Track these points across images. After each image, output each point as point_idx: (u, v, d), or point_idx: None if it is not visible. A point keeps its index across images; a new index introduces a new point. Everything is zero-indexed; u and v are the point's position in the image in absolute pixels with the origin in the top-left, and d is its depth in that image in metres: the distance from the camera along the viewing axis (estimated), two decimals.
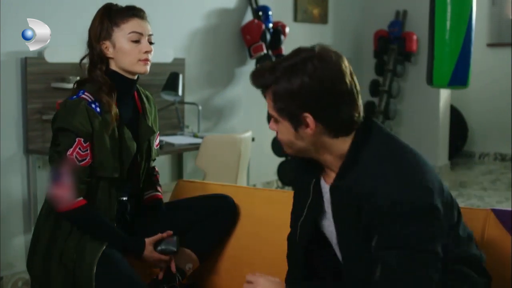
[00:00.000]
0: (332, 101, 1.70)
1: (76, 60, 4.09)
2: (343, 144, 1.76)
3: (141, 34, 2.40)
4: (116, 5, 2.46)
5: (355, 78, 1.75)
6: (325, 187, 1.86)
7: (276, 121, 1.79)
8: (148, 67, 2.43)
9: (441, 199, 1.72)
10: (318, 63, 1.69)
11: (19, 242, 4.04)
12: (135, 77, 2.47)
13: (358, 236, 1.75)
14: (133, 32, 2.39)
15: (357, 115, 1.74)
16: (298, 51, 1.74)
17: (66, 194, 2.30)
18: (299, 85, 1.68)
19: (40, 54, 4.03)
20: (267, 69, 1.75)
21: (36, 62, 4.01)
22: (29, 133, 4.01)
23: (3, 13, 3.83)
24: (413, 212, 1.64)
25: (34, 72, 4.00)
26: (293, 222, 2.04)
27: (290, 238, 2.08)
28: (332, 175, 1.82)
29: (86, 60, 2.47)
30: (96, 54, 2.40)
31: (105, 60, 2.41)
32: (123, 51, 2.39)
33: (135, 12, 2.41)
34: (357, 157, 1.74)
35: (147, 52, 2.41)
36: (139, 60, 2.40)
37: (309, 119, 1.71)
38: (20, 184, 4.03)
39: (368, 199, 1.68)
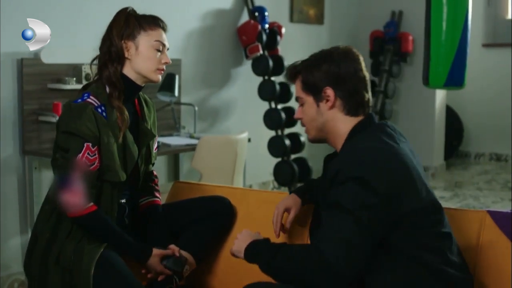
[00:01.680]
0: (351, 82, 2.07)
1: (73, 61, 4.15)
2: (349, 124, 2.08)
3: (164, 45, 2.45)
4: (134, 10, 2.47)
5: (368, 74, 2.13)
6: None
7: (302, 104, 2.13)
8: (160, 77, 2.48)
9: (388, 185, 1.91)
10: (342, 53, 2.09)
11: (15, 243, 4.04)
12: (143, 85, 2.48)
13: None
14: (158, 41, 2.42)
15: (367, 98, 2.10)
16: (323, 50, 2.14)
17: (78, 200, 2.30)
18: (326, 68, 2.07)
19: (36, 55, 4.02)
20: (299, 62, 2.15)
21: (32, 63, 4.00)
22: (25, 134, 4.00)
23: (0, 14, 3.83)
24: (346, 181, 1.91)
25: (30, 73, 4.00)
26: None
27: None
28: None
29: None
30: (115, 52, 2.39)
31: (122, 60, 2.41)
32: (145, 56, 2.41)
33: (163, 24, 2.47)
34: (348, 145, 2.05)
35: (165, 63, 2.45)
36: (157, 69, 2.44)
37: (330, 91, 2.06)
38: (16, 185, 4.02)
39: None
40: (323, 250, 1.86)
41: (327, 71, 2.06)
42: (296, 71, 2.14)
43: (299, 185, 5.84)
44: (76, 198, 2.30)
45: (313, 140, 2.18)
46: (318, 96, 2.08)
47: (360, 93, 2.08)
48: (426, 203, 1.99)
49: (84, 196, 2.31)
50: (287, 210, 2.37)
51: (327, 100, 2.07)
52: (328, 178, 2.01)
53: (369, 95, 2.12)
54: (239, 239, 2.13)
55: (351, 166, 1.94)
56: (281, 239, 2.38)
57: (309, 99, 2.11)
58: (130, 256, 2.38)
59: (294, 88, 2.17)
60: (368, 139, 2.02)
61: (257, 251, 2.04)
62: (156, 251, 2.43)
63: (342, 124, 2.08)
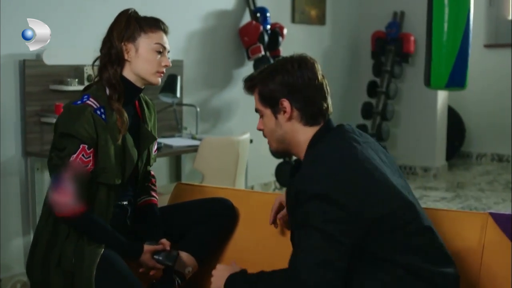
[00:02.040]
0: (307, 92, 2.05)
1: (75, 62, 4.16)
2: (308, 134, 2.07)
3: (164, 48, 2.44)
4: (136, 12, 2.46)
5: (326, 80, 2.10)
6: None
7: (262, 116, 2.13)
8: (160, 80, 2.47)
9: (349, 196, 1.90)
10: (296, 62, 2.07)
11: (18, 244, 4.04)
12: (143, 87, 2.48)
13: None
14: (159, 43, 2.42)
15: (325, 106, 2.08)
16: (278, 59, 2.13)
17: (68, 200, 2.29)
18: (280, 79, 2.05)
19: (38, 57, 4.03)
20: (255, 74, 2.15)
21: (34, 64, 4.01)
22: (28, 136, 4.01)
23: (1, 15, 3.83)
24: (308, 199, 1.91)
25: (32, 74, 4.00)
26: None
27: None
28: None
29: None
30: (115, 54, 2.39)
31: (122, 62, 2.41)
32: (145, 58, 2.40)
33: (164, 27, 2.46)
34: (309, 155, 2.05)
35: (165, 66, 2.45)
36: (157, 71, 2.43)
37: (286, 103, 2.05)
38: (18, 186, 4.03)
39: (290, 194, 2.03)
40: (304, 279, 1.86)
41: (281, 83, 2.05)
42: (253, 83, 2.13)
43: None
44: (66, 198, 2.29)
45: (275, 152, 2.19)
46: (275, 108, 2.07)
47: (317, 102, 2.06)
48: (395, 204, 1.97)
49: (74, 197, 2.29)
50: (282, 203, 2.41)
51: (284, 112, 2.06)
52: (289, 197, 2.02)
53: (327, 103, 2.09)
54: (215, 276, 2.12)
55: (310, 184, 1.92)
56: (284, 229, 2.45)
57: (267, 111, 2.10)
58: (121, 255, 2.37)
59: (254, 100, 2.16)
60: (327, 149, 2.01)
61: (236, 284, 2.04)
62: (147, 247, 2.42)
63: (302, 134, 2.08)
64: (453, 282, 1.99)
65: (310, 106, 2.06)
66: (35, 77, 4.01)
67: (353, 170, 1.95)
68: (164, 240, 2.47)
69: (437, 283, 1.94)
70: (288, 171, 2.25)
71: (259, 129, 2.17)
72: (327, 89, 2.09)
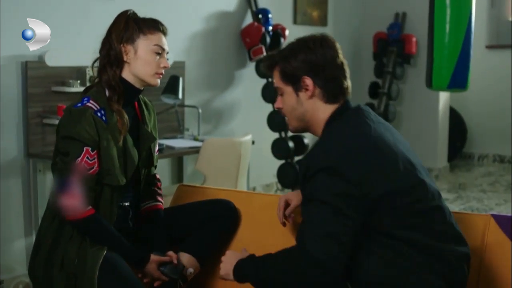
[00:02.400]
0: (329, 69, 2.06)
1: (77, 64, 4.16)
2: (327, 111, 2.07)
3: (163, 49, 2.44)
4: (135, 13, 2.46)
5: (346, 60, 2.12)
6: None
7: (281, 94, 2.12)
8: (159, 81, 2.47)
9: (357, 170, 1.90)
10: (318, 41, 2.08)
11: (20, 246, 4.04)
12: (142, 88, 2.48)
13: None
14: (157, 45, 2.42)
15: (346, 85, 2.09)
16: (299, 38, 2.13)
17: (77, 203, 2.30)
18: (303, 57, 2.06)
19: (40, 58, 4.03)
20: (275, 52, 2.15)
21: (36, 66, 4.01)
22: (30, 137, 4.01)
23: (3, 17, 3.83)
24: (315, 173, 1.93)
25: (35, 76, 4.00)
26: None
27: None
28: None
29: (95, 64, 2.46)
30: (113, 55, 2.39)
31: (121, 64, 2.41)
32: (144, 60, 2.40)
33: (163, 28, 2.45)
34: (325, 132, 2.06)
35: (164, 67, 2.45)
36: (156, 73, 2.43)
37: (309, 81, 2.06)
38: (20, 188, 4.03)
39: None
40: (309, 250, 1.87)
41: (304, 60, 2.06)
42: (273, 61, 2.13)
43: None
44: (74, 202, 2.30)
45: (294, 130, 2.17)
46: (297, 85, 2.08)
47: (338, 80, 2.08)
48: (404, 182, 1.97)
49: (82, 200, 2.31)
50: (288, 201, 2.41)
51: (306, 90, 2.07)
52: (300, 171, 2.03)
53: (347, 82, 2.10)
54: (224, 262, 2.14)
55: (319, 158, 1.95)
56: (287, 230, 2.45)
57: (288, 89, 2.10)
58: (127, 260, 2.37)
59: (274, 79, 2.16)
60: (341, 126, 2.03)
61: (245, 270, 2.05)
62: (153, 257, 2.42)
63: (322, 112, 2.08)
64: (462, 259, 2.00)
65: (332, 84, 2.06)
66: (37, 79, 4.02)
67: (364, 146, 1.95)
68: (171, 253, 2.48)
69: (444, 259, 1.95)
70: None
71: (278, 108, 2.17)
72: (346, 69, 2.11)
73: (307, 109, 2.08)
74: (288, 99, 2.11)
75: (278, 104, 2.15)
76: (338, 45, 2.10)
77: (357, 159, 1.92)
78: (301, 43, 2.09)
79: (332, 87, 2.06)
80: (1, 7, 3.83)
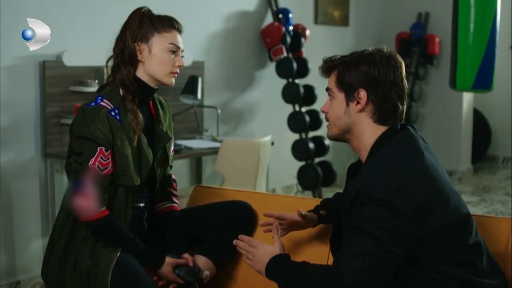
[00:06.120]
0: (387, 89, 1.97)
1: (94, 63, 4.14)
2: (376, 132, 1.99)
3: (178, 48, 2.40)
4: (150, 10, 2.42)
5: (407, 84, 2.03)
6: None
7: (332, 97, 2.04)
8: (174, 81, 2.43)
9: (411, 206, 1.83)
10: (385, 58, 1.98)
11: (37, 246, 4.03)
12: (157, 87, 2.43)
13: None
14: (173, 43, 2.38)
15: (401, 109, 2.01)
16: (367, 49, 2.03)
17: (91, 204, 2.28)
18: (364, 69, 1.97)
19: (58, 58, 4.02)
20: (337, 56, 2.05)
21: (54, 65, 4.00)
22: (47, 137, 4.00)
23: (21, 17, 3.82)
24: (366, 202, 1.85)
25: (52, 75, 3.99)
26: None
27: None
28: None
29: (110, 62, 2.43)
30: (128, 54, 2.35)
31: (135, 62, 2.37)
32: (158, 59, 2.37)
33: (178, 26, 2.42)
34: (373, 157, 1.96)
35: (179, 66, 2.41)
36: (171, 72, 2.40)
37: (363, 94, 1.97)
38: (38, 188, 4.02)
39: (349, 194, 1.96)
40: (345, 282, 1.82)
41: (366, 72, 1.97)
42: (333, 64, 2.05)
43: (323, 189, 5.80)
44: (88, 203, 2.27)
45: (332, 138, 2.09)
46: (350, 95, 2.00)
47: (394, 102, 1.98)
48: (454, 216, 1.92)
49: (96, 201, 2.28)
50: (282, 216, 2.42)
51: (358, 102, 1.99)
52: (348, 197, 1.94)
53: (403, 107, 2.02)
54: (258, 258, 2.05)
55: (372, 187, 1.86)
56: (303, 233, 2.44)
57: (340, 96, 2.02)
58: (141, 262, 2.34)
59: (328, 81, 2.08)
60: (392, 153, 1.94)
61: (277, 270, 2.00)
62: (169, 260, 2.39)
63: (368, 131, 2.00)
64: None
65: (386, 104, 1.98)
66: (55, 78, 4.01)
67: (417, 178, 1.88)
68: (186, 255, 2.45)
69: None
70: (347, 170, 2.17)
71: (323, 111, 2.08)
72: (406, 94, 2.03)
73: (353, 122, 2.01)
74: (337, 105, 2.03)
75: (325, 107, 2.07)
76: (403, 67, 2.02)
77: (412, 195, 1.85)
78: (367, 55, 2.00)
79: (385, 108, 1.98)
80: (19, 7, 3.83)
